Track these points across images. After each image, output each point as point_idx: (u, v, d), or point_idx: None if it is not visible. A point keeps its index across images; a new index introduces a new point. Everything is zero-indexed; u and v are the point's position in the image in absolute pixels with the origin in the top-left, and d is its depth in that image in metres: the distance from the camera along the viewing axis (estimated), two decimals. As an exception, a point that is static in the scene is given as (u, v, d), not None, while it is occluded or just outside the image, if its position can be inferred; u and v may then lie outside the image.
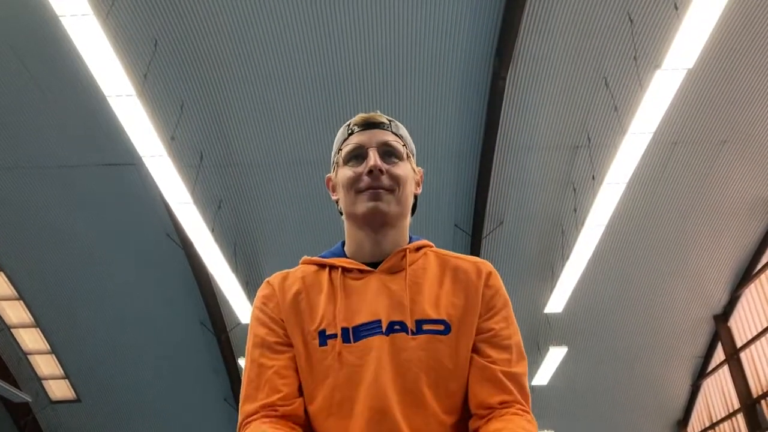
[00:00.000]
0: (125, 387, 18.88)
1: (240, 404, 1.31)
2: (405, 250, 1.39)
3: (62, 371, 19.08)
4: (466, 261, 1.42)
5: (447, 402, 1.27)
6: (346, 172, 1.41)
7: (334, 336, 1.28)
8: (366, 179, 1.37)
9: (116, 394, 19.12)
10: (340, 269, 1.38)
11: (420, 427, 1.23)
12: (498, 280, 1.39)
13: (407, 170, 1.42)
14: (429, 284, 1.35)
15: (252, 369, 1.32)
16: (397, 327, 1.27)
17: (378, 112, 1.50)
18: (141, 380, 18.94)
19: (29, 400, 17.58)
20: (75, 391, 19.53)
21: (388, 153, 1.41)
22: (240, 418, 1.29)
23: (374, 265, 1.39)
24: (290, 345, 1.33)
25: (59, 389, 19.75)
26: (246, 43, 10.51)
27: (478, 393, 1.27)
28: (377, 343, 1.26)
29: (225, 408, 19.42)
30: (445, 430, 1.27)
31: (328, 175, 1.52)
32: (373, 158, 1.37)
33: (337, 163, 1.47)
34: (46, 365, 19.16)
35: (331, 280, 1.37)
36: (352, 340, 1.28)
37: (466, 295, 1.34)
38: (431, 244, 1.49)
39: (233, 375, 17.94)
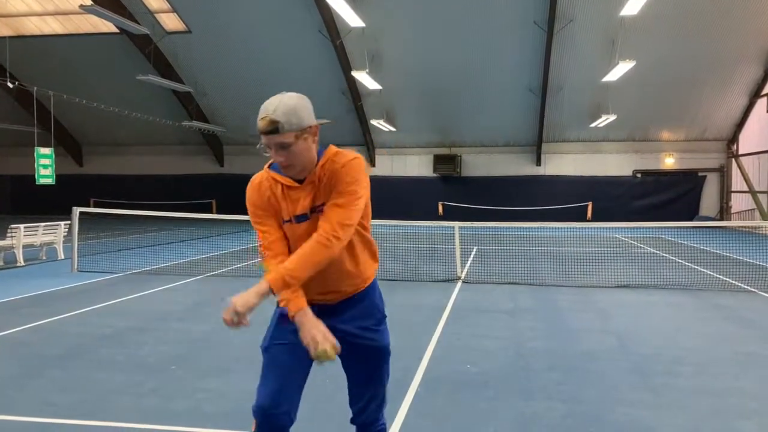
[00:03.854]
0: (233, 23, 20.79)
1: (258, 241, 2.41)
2: (315, 172, 2.27)
3: (169, 5, 20.96)
4: (337, 163, 2.25)
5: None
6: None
7: (289, 221, 2.30)
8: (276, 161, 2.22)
9: (223, 29, 21.17)
10: (284, 186, 2.30)
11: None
12: (350, 168, 2.23)
13: (299, 148, 2.18)
14: (325, 184, 2.26)
15: (257, 229, 2.37)
16: (316, 210, 2.27)
17: (275, 109, 2.13)
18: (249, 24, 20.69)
19: (147, 32, 19.83)
20: (185, 23, 21.70)
21: (281, 147, 2.16)
22: (260, 246, 2.38)
23: (302, 180, 2.28)
24: (270, 218, 2.35)
25: (171, 22, 21.95)
26: None
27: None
28: (307, 223, 2.28)
29: (322, 39, 21.30)
30: (351, 246, 2.34)
31: None
32: (274, 156, 2.19)
33: None
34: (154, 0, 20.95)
35: (283, 190, 2.31)
36: (296, 222, 2.30)
37: (334, 184, 2.25)
38: (330, 153, 2.29)
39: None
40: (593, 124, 22.54)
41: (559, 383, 4.66)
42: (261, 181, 2.36)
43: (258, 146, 2.22)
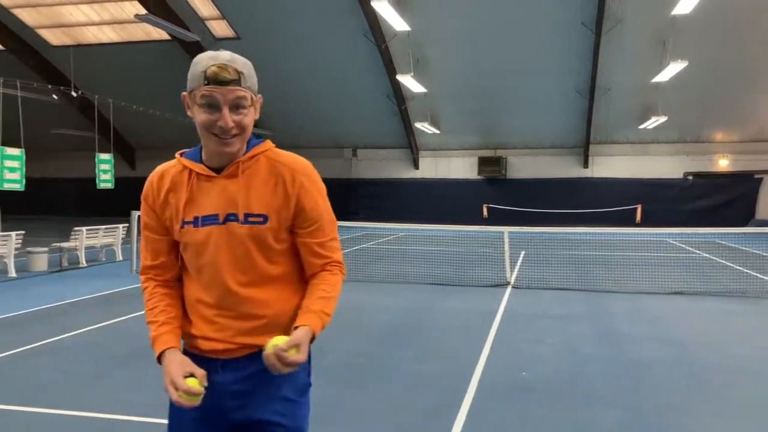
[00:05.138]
0: (281, 29, 21.21)
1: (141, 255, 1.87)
2: (239, 162, 1.70)
3: (219, 12, 21.54)
4: (286, 166, 1.73)
5: (271, 262, 1.73)
6: (201, 115, 1.62)
7: (188, 222, 1.71)
8: (218, 127, 1.61)
9: (271, 35, 21.62)
10: (194, 174, 1.73)
11: (244, 282, 1.69)
12: (307, 179, 1.72)
13: (251, 115, 1.67)
14: (256, 186, 1.70)
15: (143, 237, 1.82)
16: (231, 218, 1.68)
17: (232, 59, 1.62)
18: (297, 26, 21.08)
19: (198, 39, 20.43)
20: (234, 30, 22.27)
21: (237, 106, 1.61)
22: (141, 266, 1.86)
23: (220, 169, 1.71)
24: (164, 227, 1.77)
25: (220, 28, 22.55)
26: None
27: (306, 263, 1.78)
28: (215, 229, 1.69)
29: (367, 43, 21.49)
30: (270, 278, 1.73)
31: (184, 93, 1.68)
32: (226, 117, 1.60)
33: (192, 95, 1.64)
34: (204, 6, 21.55)
35: (189, 180, 1.73)
36: (196, 225, 1.70)
37: (283, 194, 1.70)
38: (267, 147, 1.77)
39: None
40: (642, 126, 22.08)
41: (613, 390, 4.66)
42: (165, 170, 1.80)
43: (189, 85, 1.65)
